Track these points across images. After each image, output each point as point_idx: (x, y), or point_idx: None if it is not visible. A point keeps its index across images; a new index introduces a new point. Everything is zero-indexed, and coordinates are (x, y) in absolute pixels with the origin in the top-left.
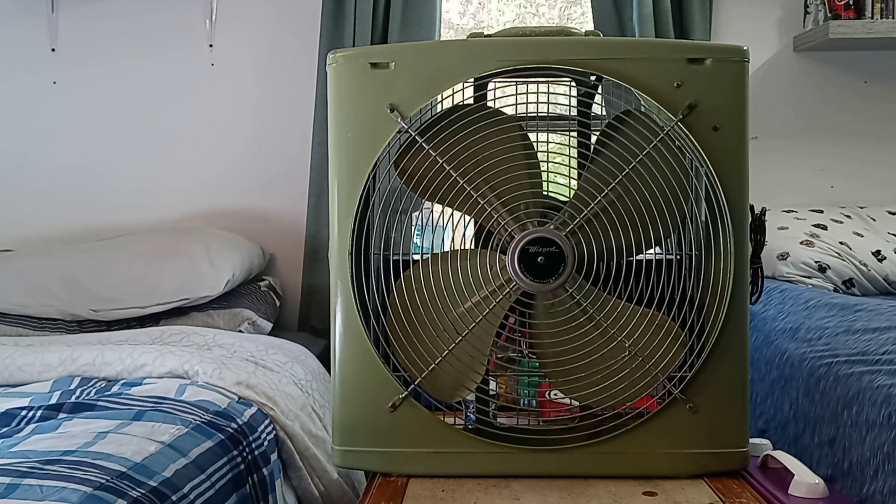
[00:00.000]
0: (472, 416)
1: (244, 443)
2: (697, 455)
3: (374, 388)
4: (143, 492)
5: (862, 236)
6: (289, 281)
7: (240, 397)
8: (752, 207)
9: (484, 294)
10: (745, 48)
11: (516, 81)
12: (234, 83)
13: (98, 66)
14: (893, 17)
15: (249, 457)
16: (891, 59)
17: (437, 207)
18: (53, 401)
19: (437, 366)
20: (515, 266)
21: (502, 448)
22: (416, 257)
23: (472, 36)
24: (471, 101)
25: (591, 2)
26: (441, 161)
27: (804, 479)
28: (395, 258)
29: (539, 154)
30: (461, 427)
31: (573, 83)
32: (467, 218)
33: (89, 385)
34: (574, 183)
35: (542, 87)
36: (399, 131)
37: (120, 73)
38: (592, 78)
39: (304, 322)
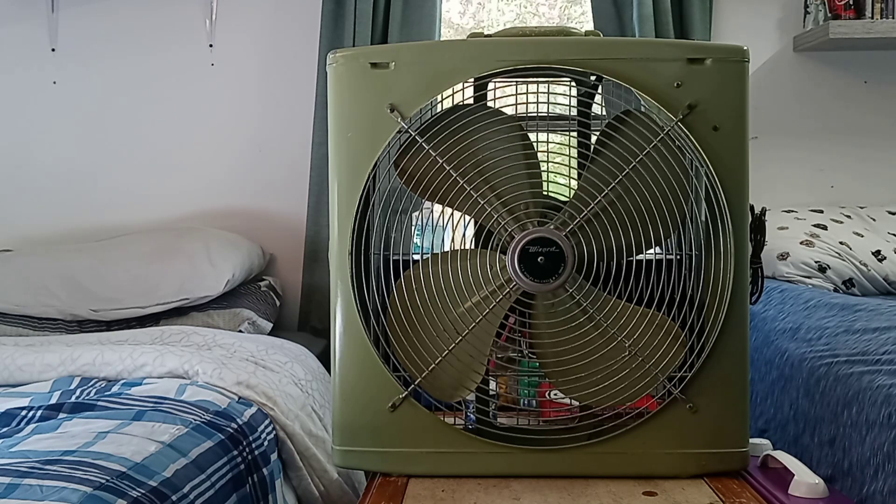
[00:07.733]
0: (472, 416)
1: (244, 443)
2: (697, 455)
3: (374, 388)
4: (143, 492)
5: (862, 236)
6: (289, 281)
7: (240, 397)
8: (752, 207)
9: (484, 294)
10: (745, 48)
11: (516, 81)
12: (235, 83)
13: (98, 66)
14: (893, 17)
15: (249, 457)
16: (891, 59)
17: (437, 207)
18: (53, 401)
19: (437, 366)
20: (515, 266)
21: (502, 448)
22: (416, 257)
23: (472, 36)
24: (471, 101)
25: (591, 2)
26: (441, 161)
27: (804, 479)
28: (395, 258)
29: (539, 154)
30: (461, 427)
31: (573, 83)
32: (467, 218)
33: (89, 385)
34: (574, 183)
35: (542, 87)
36: (399, 131)
37: (120, 73)
38: (592, 78)
39: (304, 322)
